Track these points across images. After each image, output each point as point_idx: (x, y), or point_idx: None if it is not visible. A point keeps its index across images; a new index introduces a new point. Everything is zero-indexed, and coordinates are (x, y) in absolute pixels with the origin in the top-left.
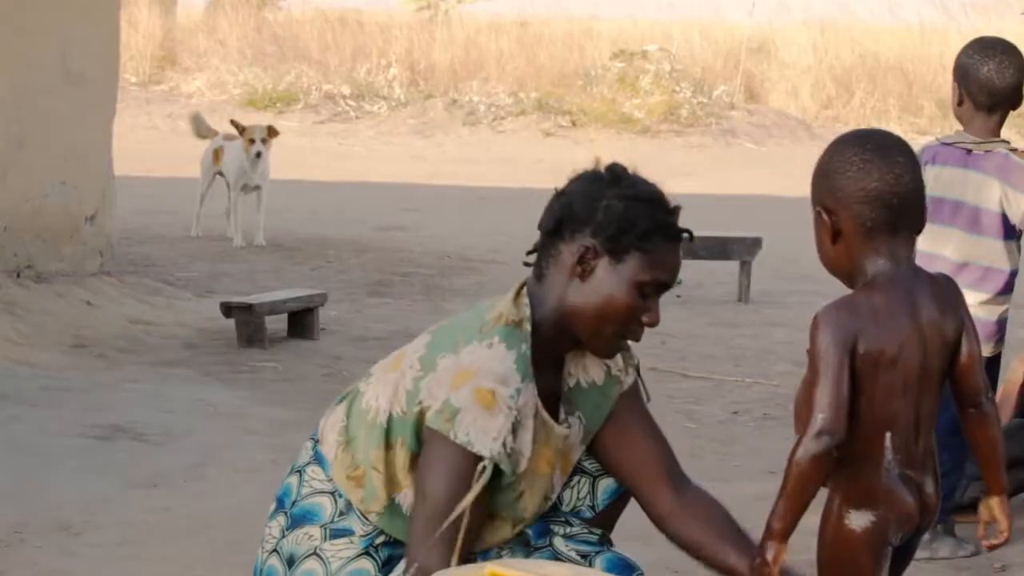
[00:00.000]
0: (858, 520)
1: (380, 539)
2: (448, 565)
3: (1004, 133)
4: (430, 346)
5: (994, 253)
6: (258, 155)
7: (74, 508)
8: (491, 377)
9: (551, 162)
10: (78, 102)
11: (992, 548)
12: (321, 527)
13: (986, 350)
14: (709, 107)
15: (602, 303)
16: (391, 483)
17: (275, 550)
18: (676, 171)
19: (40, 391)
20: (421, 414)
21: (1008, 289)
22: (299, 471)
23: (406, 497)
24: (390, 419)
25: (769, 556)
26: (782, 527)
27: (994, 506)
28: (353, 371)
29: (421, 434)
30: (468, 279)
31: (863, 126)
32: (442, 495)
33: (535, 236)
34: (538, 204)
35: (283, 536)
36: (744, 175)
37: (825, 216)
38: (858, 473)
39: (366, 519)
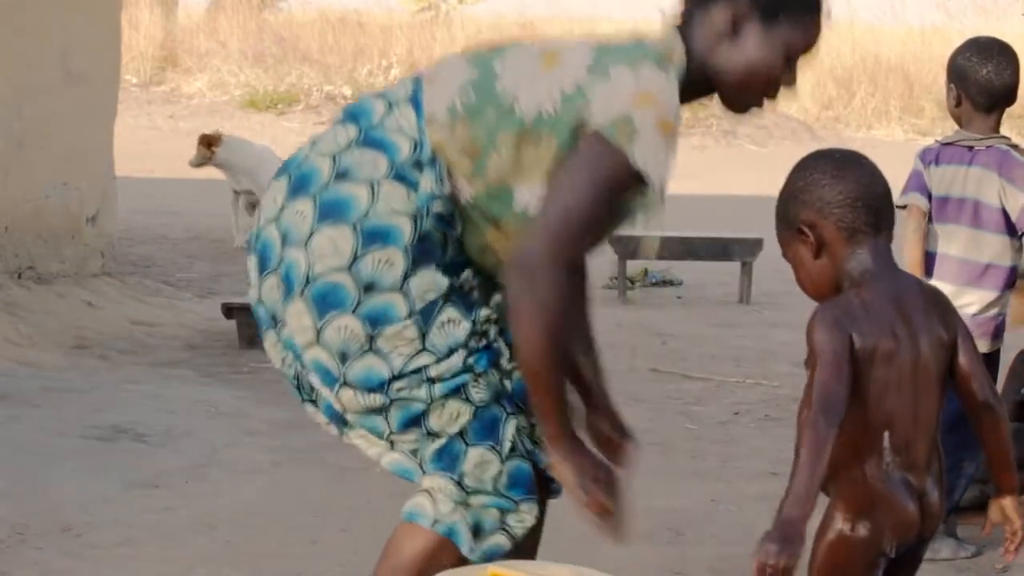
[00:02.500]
0: (854, 529)
1: (438, 207)
2: (575, 258)
3: (1004, 132)
4: (597, 54)
5: (994, 249)
6: (196, 165)
7: (75, 509)
8: (672, 110)
9: None
10: (79, 102)
11: (1014, 551)
12: (389, 162)
13: (984, 346)
14: (710, 108)
15: (751, 65)
16: (516, 172)
17: (333, 156)
18: (677, 172)
19: (41, 392)
20: (582, 117)
21: (1008, 286)
22: (390, 103)
23: (526, 192)
24: (538, 117)
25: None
26: (799, 512)
27: (1006, 507)
28: None
29: (577, 135)
30: None
31: (864, 127)
32: (590, 196)
33: None
34: None
35: (348, 148)
36: (745, 176)
37: (807, 231)
38: (857, 478)
39: (446, 181)
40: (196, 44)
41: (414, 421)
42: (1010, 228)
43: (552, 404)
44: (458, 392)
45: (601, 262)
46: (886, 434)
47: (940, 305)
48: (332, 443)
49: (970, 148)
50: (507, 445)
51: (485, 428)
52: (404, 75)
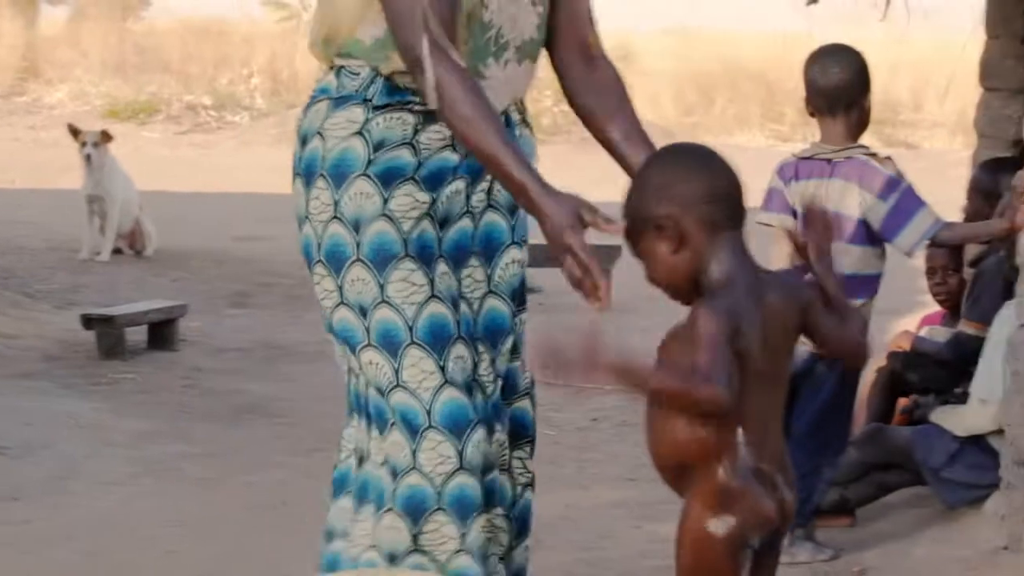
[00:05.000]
0: (715, 524)
1: (372, 90)
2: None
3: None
4: None
5: (855, 259)
6: (88, 158)
7: None
8: None
9: None
10: None
11: None
12: (328, 100)
13: None
14: (570, 115)
15: None
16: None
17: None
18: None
19: None
20: None
21: (872, 293)
22: None
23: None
24: None
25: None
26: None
27: None
28: (213, 383)
29: None
30: None
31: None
32: None
33: None
34: None
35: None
36: (604, 183)
37: (666, 226)
38: (714, 474)
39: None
40: (57, 54)
41: None
42: (871, 238)
43: (495, 154)
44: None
45: None
46: (740, 430)
47: (786, 288)
48: (192, 454)
49: (829, 160)
50: None
51: None
52: (265, 85)
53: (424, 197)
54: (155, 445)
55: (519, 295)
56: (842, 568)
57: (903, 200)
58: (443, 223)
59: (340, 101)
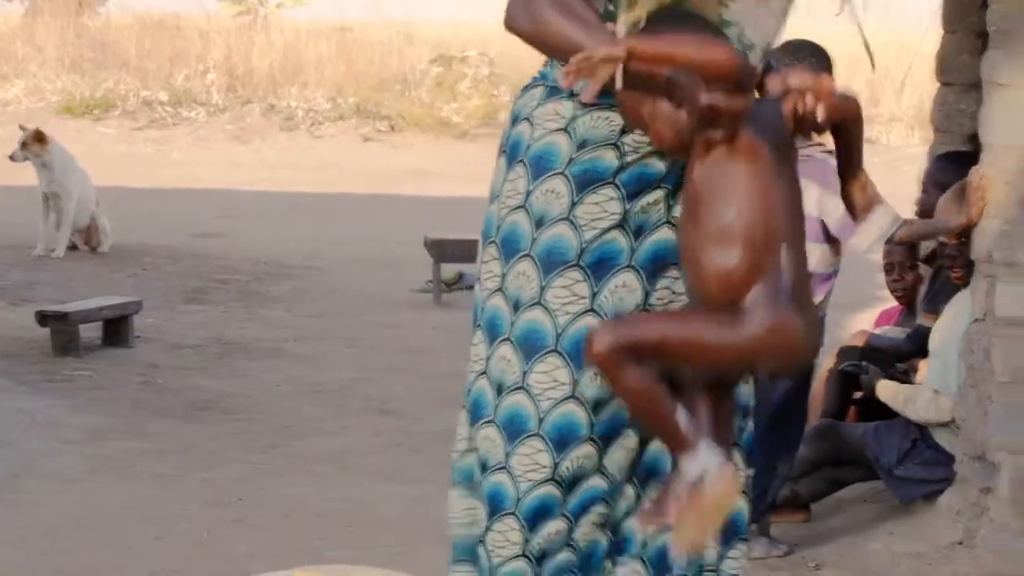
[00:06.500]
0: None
1: (580, 85)
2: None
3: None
4: None
5: (815, 258)
6: (11, 158)
7: None
8: None
9: (369, 167)
10: None
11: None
12: (544, 87)
13: None
14: None
15: None
16: None
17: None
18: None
19: None
20: None
21: (828, 291)
22: None
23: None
24: None
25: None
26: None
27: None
28: (169, 379)
29: None
30: (285, 285)
31: None
32: None
33: (352, 242)
34: (356, 210)
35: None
36: None
37: None
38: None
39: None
40: (13, 50)
41: None
42: (828, 236)
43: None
44: None
45: (416, 267)
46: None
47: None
48: (148, 451)
49: None
50: None
51: None
52: (221, 81)
53: (616, 208)
54: (111, 442)
55: None
56: (797, 563)
57: None
58: (638, 233)
59: (553, 91)
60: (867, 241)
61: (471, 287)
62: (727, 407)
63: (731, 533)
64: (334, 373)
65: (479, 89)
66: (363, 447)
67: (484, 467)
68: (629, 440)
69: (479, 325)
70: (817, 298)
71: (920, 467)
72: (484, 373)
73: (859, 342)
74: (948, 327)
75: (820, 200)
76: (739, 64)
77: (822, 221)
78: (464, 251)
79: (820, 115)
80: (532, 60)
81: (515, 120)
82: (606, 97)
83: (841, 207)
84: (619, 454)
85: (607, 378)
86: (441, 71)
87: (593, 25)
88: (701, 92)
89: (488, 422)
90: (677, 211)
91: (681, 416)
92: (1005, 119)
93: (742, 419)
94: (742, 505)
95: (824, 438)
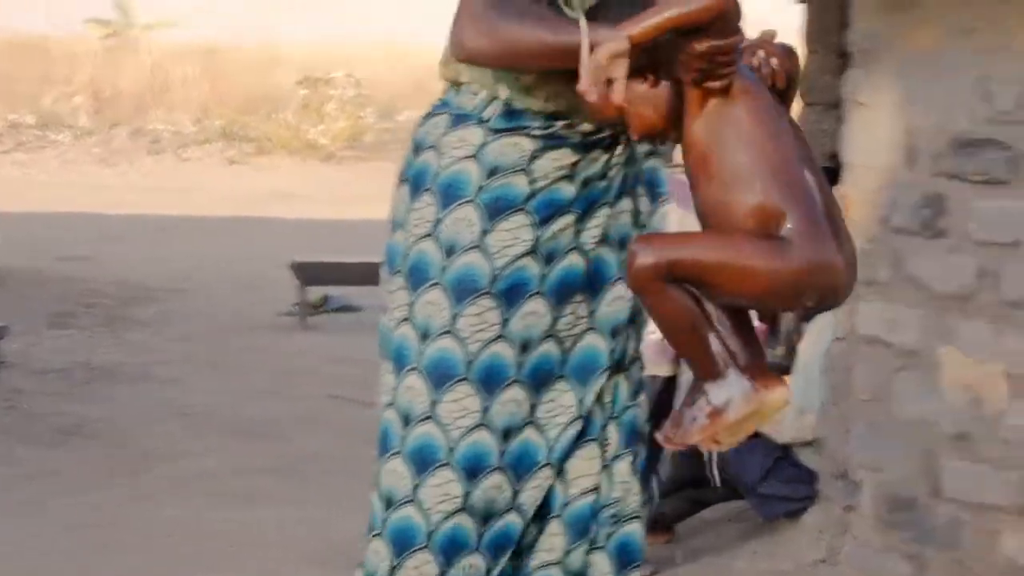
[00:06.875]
0: None
1: (488, 112)
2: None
3: None
4: None
5: None
6: None
7: None
8: None
9: (235, 190)
10: None
11: None
12: (448, 114)
13: (665, 370)
14: (394, 132)
15: None
16: None
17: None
18: (361, 197)
19: None
20: None
21: None
22: None
23: None
24: None
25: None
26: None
27: None
28: (34, 404)
29: None
30: (151, 309)
31: None
32: None
33: (219, 265)
34: (222, 232)
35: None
36: None
37: None
38: None
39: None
40: None
41: None
42: None
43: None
44: None
45: (282, 289)
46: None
47: None
48: (12, 476)
49: None
50: None
51: None
52: (89, 103)
53: (528, 235)
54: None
55: (627, 329)
56: None
57: None
58: (548, 259)
59: (459, 119)
60: None
61: (337, 310)
62: (752, 341)
63: (626, 559)
64: (201, 396)
65: (345, 111)
66: (229, 470)
67: (389, 502)
68: (546, 482)
69: (386, 355)
70: None
71: (783, 485)
72: (391, 404)
73: None
74: (811, 345)
75: (682, 222)
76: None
77: None
78: (330, 274)
79: (775, 68)
80: (399, 82)
81: (418, 148)
82: (512, 121)
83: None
84: (534, 491)
85: (646, 298)
86: (307, 93)
87: (551, 19)
88: (696, 42)
89: (395, 454)
90: (585, 237)
91: (714, 342)
92: (865, 139)
93: (635, 444)
94: (637, 530)
95: (687, 458)
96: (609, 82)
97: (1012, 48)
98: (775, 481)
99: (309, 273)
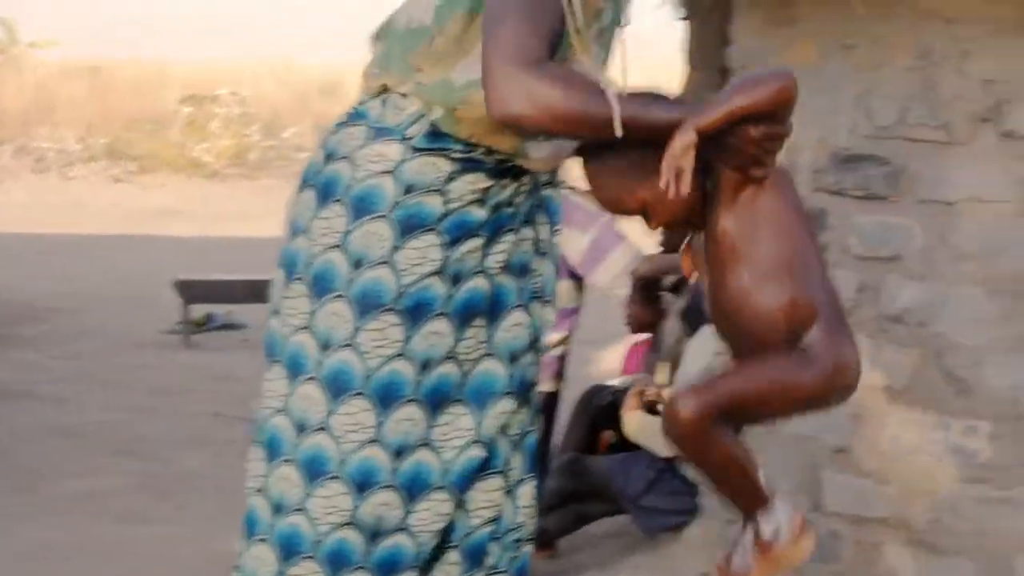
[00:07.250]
0: None
1: (413, 130)
2: (534, 55)
3: None
4: None
5: (559, 294)
6: None
7: None
8: None
9: (120, 208)
10: None
11: None
12: (365, 126)
13: (547, 386)
14: (279, 149)
15: None
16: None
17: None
18: (245, 214)
19: None
20: None
21: (572, 327)
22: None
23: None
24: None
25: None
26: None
27: None
28: None
29: None
30: (35, 328)
31: None
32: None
33: (103, 283)
34: (106, 250)
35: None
36: None
37: None
38: None
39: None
40: None
41: None
42: (571, 272)
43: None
44: None
45: (165, 307)
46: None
47: None
48: None
49: None
50: None
51: None
52: None
53: (437, 254)
54: None
55: (528, 355)
56: None
57: (601, 236)
58: (455, 280)
59: (379, 132)
60: (607, 276)
61: (220, 328)
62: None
63: None
64: (84, 415)
65: (230, 129)
66: (111, 489)
67: (279, 508)
68: (440, 504)
69: (277, 360)
70: (557, 336)
71: (666, 497)
72: (283, 411)
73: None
74: (693, 360)
75: (566, 237)
76: (792, 82)
77: (563, 256)
78: (213, 292)
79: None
80: (283, 100)
81: (330, 157)
82: (436, 142)
83: (583, 243)
84: (425, 514)
85: (693, 451)
86: (192, 111)
87: (591, 85)
88: (752, 127)
89: (287, 461)
90: (490, 261)
91: (760, 474)
92: None
93: (535, 467)
94: (530, 551)
95: (570, 471)
96: (678, 174)
97: (892, 64)
98: (658, 494)
99: (192, 291)
